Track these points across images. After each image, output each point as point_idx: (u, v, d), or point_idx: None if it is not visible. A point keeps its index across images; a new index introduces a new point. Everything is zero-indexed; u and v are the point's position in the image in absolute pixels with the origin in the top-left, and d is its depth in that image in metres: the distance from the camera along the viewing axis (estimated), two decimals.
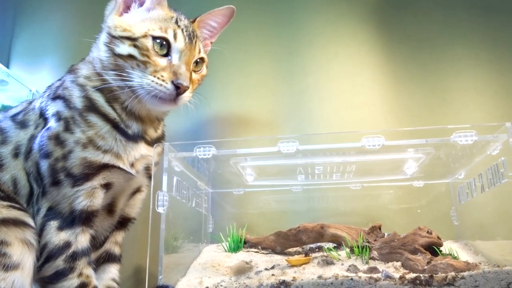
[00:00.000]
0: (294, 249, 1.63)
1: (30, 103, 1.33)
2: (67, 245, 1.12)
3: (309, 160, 1.56)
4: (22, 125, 1.26)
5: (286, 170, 1.69)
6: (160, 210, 1.29)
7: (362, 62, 2.04)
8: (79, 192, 1.14)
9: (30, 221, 1.13)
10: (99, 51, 1.25)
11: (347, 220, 1.65)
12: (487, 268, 1.09)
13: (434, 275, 1.08)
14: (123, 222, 1.39)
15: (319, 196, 1.86)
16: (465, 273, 1.06)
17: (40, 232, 1.13)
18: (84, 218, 1.15)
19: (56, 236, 1.12)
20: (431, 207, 1.75)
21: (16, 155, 1.22)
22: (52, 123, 1.19)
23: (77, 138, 1.16)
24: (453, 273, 1.07)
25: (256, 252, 1.63)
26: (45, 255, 1.11)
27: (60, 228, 1.12)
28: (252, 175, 1.72)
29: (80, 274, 1.12)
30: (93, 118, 1.20)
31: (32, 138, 1.22)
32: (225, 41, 1.88)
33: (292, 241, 1.59)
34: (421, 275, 1.09)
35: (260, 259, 1.51)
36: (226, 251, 1.64)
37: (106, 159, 1.17)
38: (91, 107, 1.21)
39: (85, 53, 1.34)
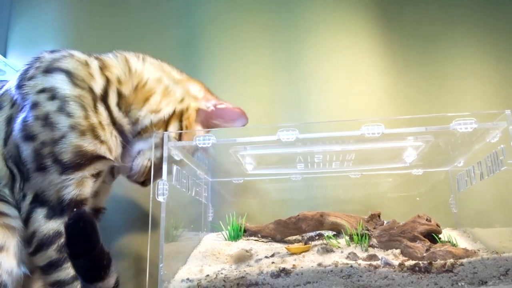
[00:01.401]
0: (294, 237, 1.64)
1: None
2: (58, 234, 1.08)
3: (308, 149, 1.55)
4: None
5: (286, 158, 1.68)
6: (160, 199, 1.28)
7: (361, 50, 2.03)
8: (68, 181, 1.09)
9: (5, 208, 1.08)
10: None
11: (347, 208, 1.66)
12: (486, 255, 1.10)
13: (433, 262, 1.09)
14: (95, 213, 1.36)
15: (318, 185, 1.86)
16: (464, 260, 1.07)
17: (27, 218, 1.08)
18: (73, 207, 1.10)
19: (44, 224, 1.08)
20: (430, 195, 1.76)
21: None
22: (42, 100, 1.10)
23: (74, 123, 1.09)
24: (452, 260, 1.08)
25: (256, 240, 1.63)
26: (35, 244, 1.08)
27: (49, 216, 1.08)
28: (251, 164, 1.71)
29: None
30: (101, 107, 1.18)
31: (9, 120, 1.14)
32: (223, 31, 1.87)
33: (292, 229, 1.59)
34: (420, 262, 1.10)
35: (260, 247, 1.52)
36: (226, 240, 1.64)
37: (102, 150, 1.15)
38: (103, 97, 1.18)
39: (83, 41, 1.33)
